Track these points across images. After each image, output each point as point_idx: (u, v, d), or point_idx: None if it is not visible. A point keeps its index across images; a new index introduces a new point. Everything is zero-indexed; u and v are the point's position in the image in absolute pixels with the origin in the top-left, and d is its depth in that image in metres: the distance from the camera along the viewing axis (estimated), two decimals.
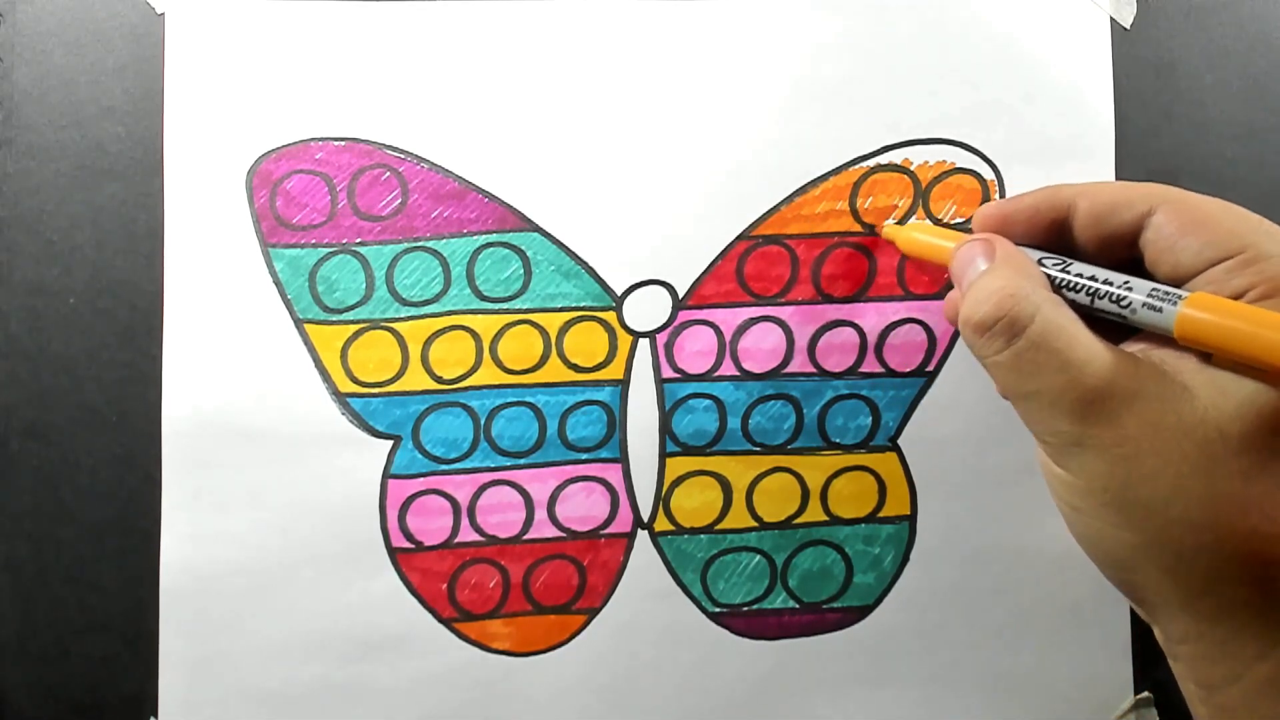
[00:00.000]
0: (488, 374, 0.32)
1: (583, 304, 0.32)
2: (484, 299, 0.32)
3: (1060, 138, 0.33)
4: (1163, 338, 0.24)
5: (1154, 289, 0.24)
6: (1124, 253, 0.26)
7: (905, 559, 0.33)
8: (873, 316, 0.33)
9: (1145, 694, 0.33)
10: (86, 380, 0.32)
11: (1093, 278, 0.25)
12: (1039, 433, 0.25)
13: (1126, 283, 0.25)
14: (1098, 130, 0.33)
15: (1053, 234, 0.27)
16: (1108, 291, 0.25)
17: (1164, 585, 0.24)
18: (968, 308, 0.25)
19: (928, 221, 0.32)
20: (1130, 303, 0.25)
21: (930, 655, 0.33)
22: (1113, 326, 0.25)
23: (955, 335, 0.33)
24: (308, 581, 0.32)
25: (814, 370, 0.33)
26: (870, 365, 0.33)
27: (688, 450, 0.33)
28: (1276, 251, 0.23)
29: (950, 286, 0.32)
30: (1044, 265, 0.26)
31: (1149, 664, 0.33)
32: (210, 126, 0.32)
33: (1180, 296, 0.24)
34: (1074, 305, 0.25)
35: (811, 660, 0.33)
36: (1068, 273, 0.26)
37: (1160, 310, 0.24)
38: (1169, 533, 0.23)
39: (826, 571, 0.33)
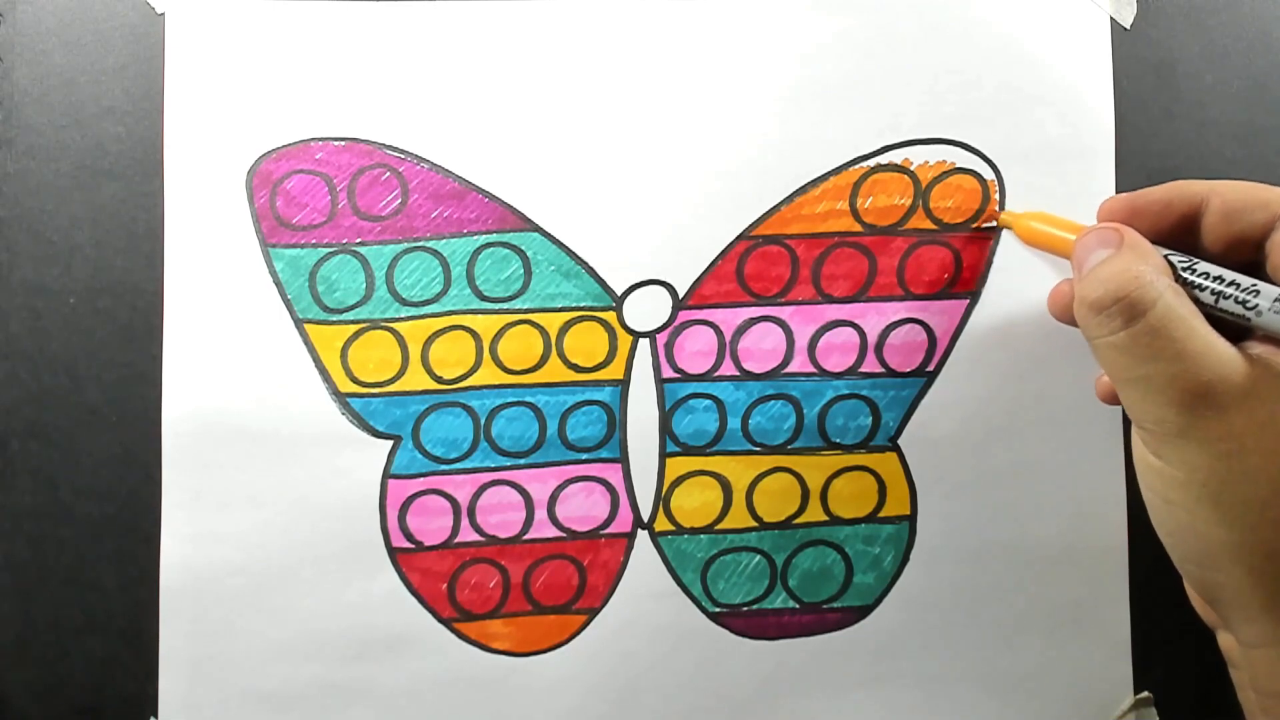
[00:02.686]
0: (488, 374, 0.32)
1: (583, 304, 0.32)
2: (484, 299, 0.32)
3: (1060, 138, 0.33)
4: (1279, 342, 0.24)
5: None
6: (1249, 254, 0.26)
7: (905, 559, 0.33)
8: (873, 316, 0.33)
9: (1145, 694, 0.33)
10: (86, 380, 0.32)
11: (1219, 278, 0.25)
12: (1141, 419, 0.25)
13: (1254, 285, 0.25)
14: (1098, 130, 0.33)
15: (1180, 230, 0.27)
16: (1233, 293, 0.25)
17: (1248, 586, 0.24)
18: (1086, 286, 0.25)
19: (1045, 211, 0.32)
20: (1256, 305, 0.25)
21: (930, 655, 0.33)
22: (1231, 329, 0.25)
23: (955, 335, 0.33)
24: (308, 581, 0.32)
25: (814, 370, 0.33)
26: (870, 365, 0.33)
27: (688, 450, 0.33)
28: None
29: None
30: (1169, 260, 0.26)
31: (1149, 664, 0.33)
32: (210, 126, 0.32)
33: None
34: (1196, 304, 0.25)
35: (811, 660, 0.33)
36: (1193, 271, 0.26)
37: None
38: (1263, 533, 0.23)
39: (826, 571, 0.33)
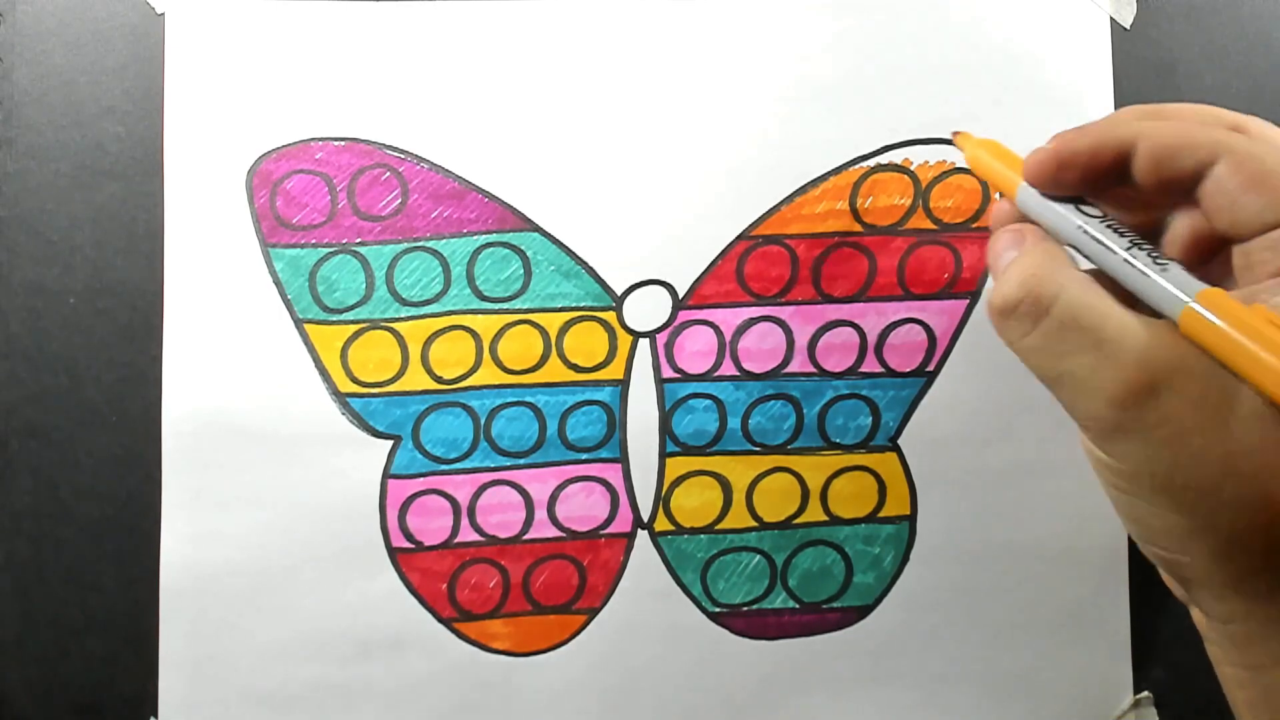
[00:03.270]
0: (488, 374, 0.32)
1: (583, 304, 0.32)
2: (484, 299, 0.32)
3: None
4: None
5: (1167, 284, 0.22)
6: (1184, 200, 0.24)
7: (905, 559, 0.33)
8: (873, 316, 0.33)
9: (1145, 694, 0.33)
10: (86, 380, 0.32)
11: (1127, 246, 0.24)
12: (1077, 418, 0.24)
13: (1156, 257, 0.23)
14: None
15: (1114, 174, 0.25)
16: (1130, 266, 0.23)
17: (1214, 568, 0.23)
18: (992, 294, 0.25)
19: (1002, 145, 0.29)
20: (1145, 284, 0.23)
21: (930, 655, 0.33)
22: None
23: (955, 335, 0.33)
24: (308, 581, 0.32)
25: (814, 370, 0.33)
26: (870, 365, 0.33)
27: (688, 450, 0.33)
28: None
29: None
30: (1083, 213, 0.25)
31: (1149, 664, 0.33)
32: (210, 126, 0.32)
33: (1196, 289, 0.22)
34: (1116, 270, 0.24)
35: (811, 660, 0.33)
36: (1094, 230, 0.24)
37: (1172, 299, 0.22)
38: (1221, 515, 0.22)
39: (826, 571, 0.33)
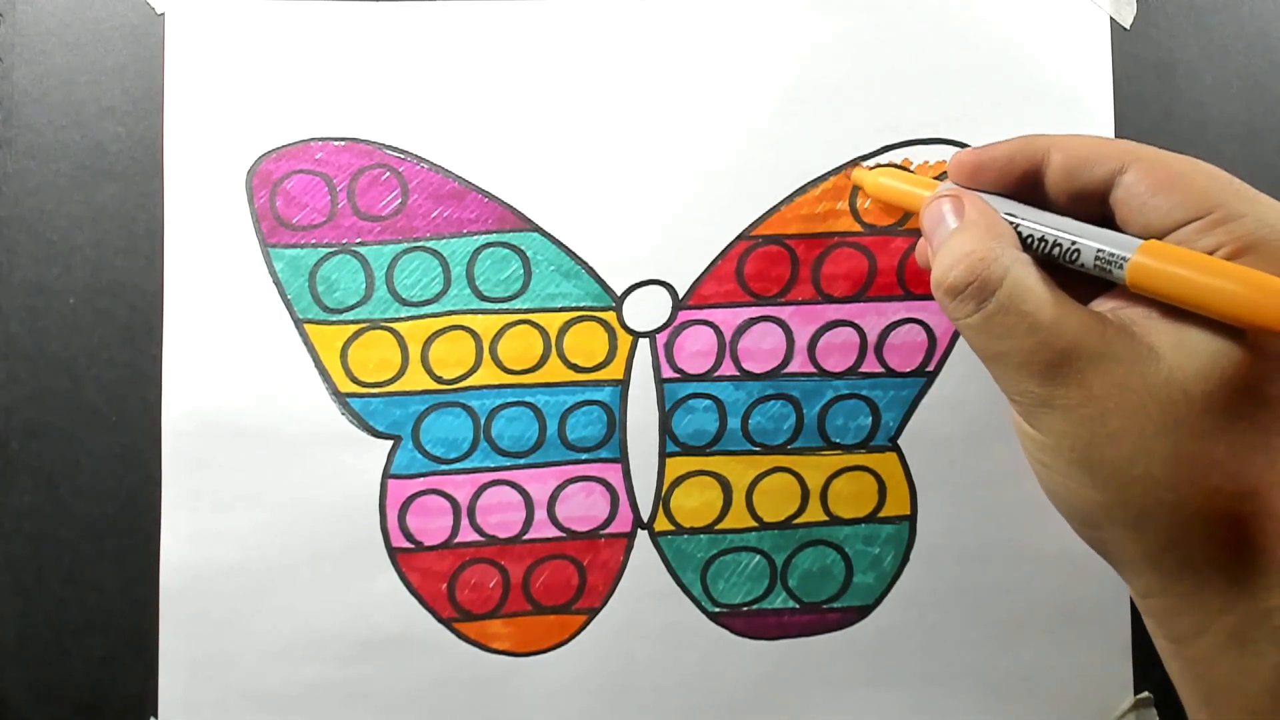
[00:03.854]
0: (488, 374, 0.32)
1: (583, 304, 0.32)
2: (484, 299, 0.32)
3: None
4: (1136, 296, 0.24)
5: (1103, 245, 0.24)
6: (1097, 209, 0.26)
7: (905, 559, 0.33)
8: (873, 316, 0.33)
9: (1145, 694, 0.33)
10: (86, 380, 0.32)
11: (1043, 239, 0.26)
12: (1008, 392, 0.25)
13: (1075, 246, 0.25)
14: (1098, 130, 0.33)
15: (1025, 184, 0.27)
16: (1058, 253, 0.25)
17: (1129, 542, 0.24)
18: (939, 271, 0.26)
19: (896, 168, 0.32)
20: (1081, 264, 0.25)
21: (930, 655, 0.33)
22: (1090, 280, 0.25)
23: (955, 335, 0.33)
24: (308, 581, 0.32)
25: (814, 370, 0.33)
26: (870, 365, 0.33)
27: (688, 450, 0.33)
28: (1246, 211, 0.23)
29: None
30: (1012, 216, 0.26)
31: (1149, 664, 0.33)
32: (210, 126, 0.32)
33: (1133, 248, 0.24)
34: (1043, 257, 0.25)
35: (811, 660, 0.33)
36: (1029, 225, 0.26)
37: (1112, 262, 0.24)
38: (1132, 491, 0.23)
39: (826, 571, 0.33)
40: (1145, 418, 0.23)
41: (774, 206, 0.32)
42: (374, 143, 0.32)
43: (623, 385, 0.33)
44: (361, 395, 0.32)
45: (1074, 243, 0.25)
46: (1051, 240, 0.25)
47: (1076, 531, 0.26)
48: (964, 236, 0.26)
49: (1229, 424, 0.23)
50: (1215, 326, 0.23)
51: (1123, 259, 0.24)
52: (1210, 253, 0.23)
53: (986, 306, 0.24)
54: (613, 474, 0.33)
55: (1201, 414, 0.23)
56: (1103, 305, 0.25)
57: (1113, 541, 0.25)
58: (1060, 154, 0.26)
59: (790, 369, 0.33)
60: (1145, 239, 0.24)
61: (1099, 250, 0.24)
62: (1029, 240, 0.26)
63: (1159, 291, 0.23)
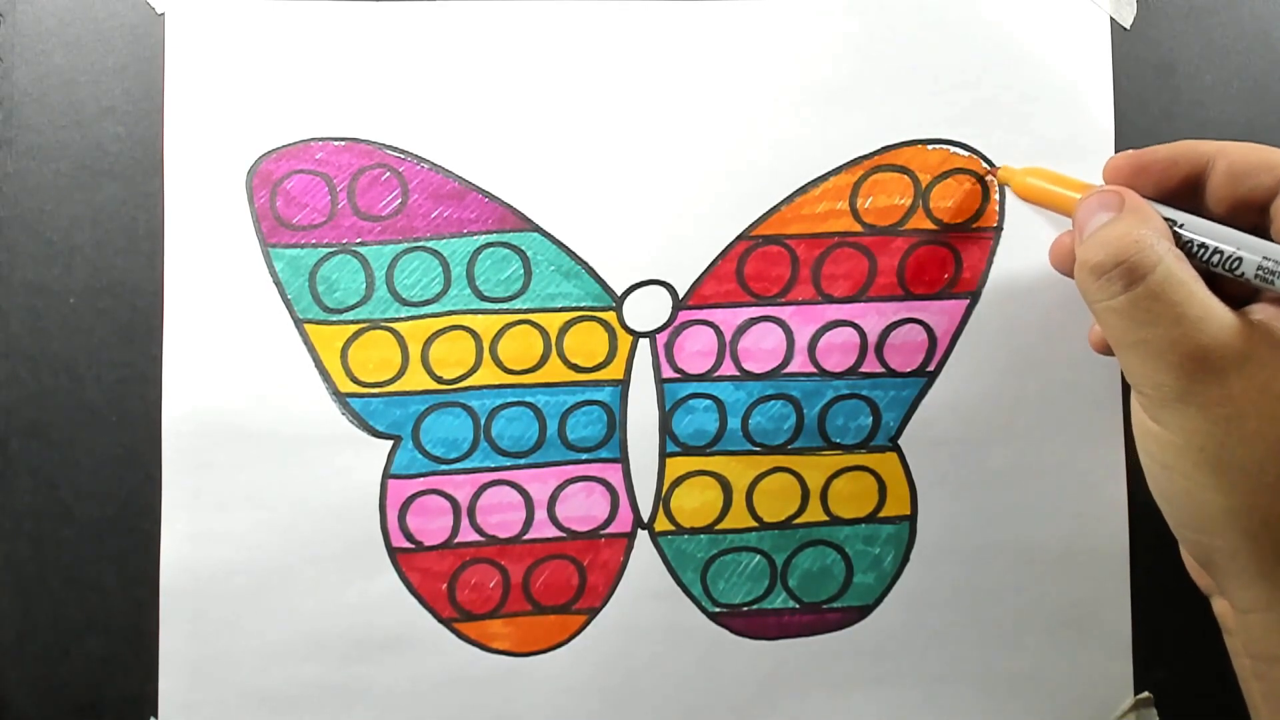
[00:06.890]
0: (488, 374, 0.32)
1: (583, 304, 0.32)
2: (484, 299, 0.32)
3: (1060, 138, 0.33)
4: None
5: (1269, 255, 0.24)
6: (1254, 218, 0.26)
7: (905, 559, 0.33)
8: (873, 316, 0.33)
9: (1145, 694, 0.33)
10: (86, 380, 0.32)
11: (1203, 245, 0.25)
12: (1140, 384, 0.25)
13: (1237, 254, 0.25)
14: (1098, 130, 0.33)
15: (1185, 190, 0.27)
16: (1219, 260, 0.25)
17: (1244, 551, 0.24)
18: (1087, 250, 0.25)
19: (1046, 168, 0.31)
20: (1242, 273, 0.25)
21: (930, 655, 0.33)
22: (1237, 290, 0.25)
23: (956, 335, 0.33)
24: (308, 581, 0.32)
25: (814, 370, 0.33)
26: (870, 365, 0.33)
27: (688, 450, 0.33)
28: None
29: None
30: (1172, 222, 0.26)
31: (1149, 664, 0.33)
32: (210, 126, 0.32)
33: None
34: (1200, 264, 0.25)
35: (811, 660, 0.33)
36: (1192, 230, 0.26)
37: (1275, 274, 0.24)
38: (1260, 497, 0.23)
39: (826, 571, 0.33)
40: None
41: (774, 206, 0.32)
42: (374, 143, 0.32)
43: (623, 385, 0.33)
44: (361, 395, 0.32)
45: (1237, 252, 0.25)
46: (1212, 248, 0.25)
47: (1181, 538, 0.25)
48: (1119, 223, 0.25)
49: None
50: None
51: None
52: None
53: (1135, 290, 0.24)
54: (613, 474, 0.33)
55: None
56: (1253, 313, 0.25)
57: (1226, 550, 0.24)
58: (1226, 160, 0.26)
59: (790, 369, 0.33)
60: None
61: (1263, 261, 0.24)
62: (1188, 245, 0.26)
63: None
